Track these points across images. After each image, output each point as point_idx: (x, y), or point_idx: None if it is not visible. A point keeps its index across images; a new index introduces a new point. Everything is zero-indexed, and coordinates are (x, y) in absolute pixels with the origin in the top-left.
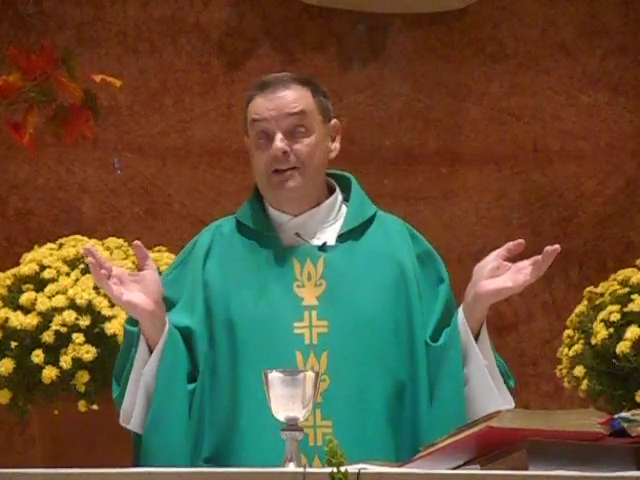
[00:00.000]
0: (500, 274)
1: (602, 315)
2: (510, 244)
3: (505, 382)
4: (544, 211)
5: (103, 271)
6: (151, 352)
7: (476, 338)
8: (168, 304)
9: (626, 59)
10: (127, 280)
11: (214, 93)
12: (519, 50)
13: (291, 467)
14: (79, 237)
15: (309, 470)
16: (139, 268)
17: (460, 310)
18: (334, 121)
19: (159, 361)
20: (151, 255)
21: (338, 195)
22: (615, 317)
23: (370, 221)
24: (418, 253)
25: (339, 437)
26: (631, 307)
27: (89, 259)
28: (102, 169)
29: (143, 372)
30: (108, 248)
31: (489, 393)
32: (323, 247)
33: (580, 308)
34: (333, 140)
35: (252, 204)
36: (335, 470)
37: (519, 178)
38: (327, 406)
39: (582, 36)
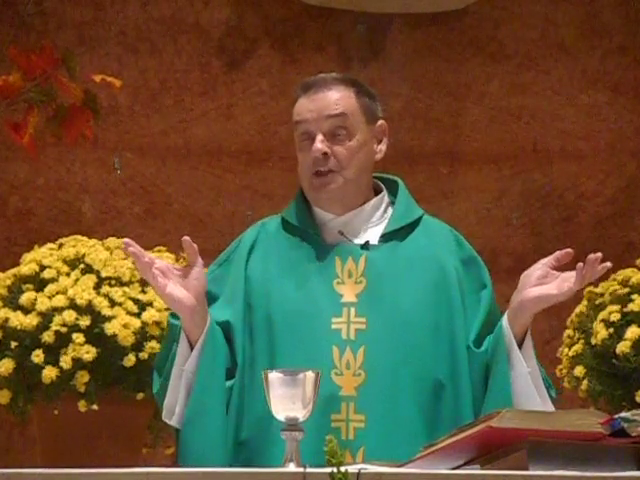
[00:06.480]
0: (547, 282)
1: (602, 315)
2: (558, 253)
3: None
4: (544, 211)
5: (146, 259)
6: (192, 348)
7: (520, 345)
8: (209, 299)
9: (626, 59)
10: (171, 274)
11: (214, 93)
12: (519, 50)
13: (291, 467)
14: (79, 237)
15: (309, 470)
16: (188, 263)
17: (505, 316)
18: (380, 122)
19: (198, 358)
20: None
21: (384, 197)
22: (615, 317)
23: (415, 224)
24: (462, 258)
25: (371, 432)
26: (631, 307)
27: (130, 249)
28: (102, 169)
29: (184, 369)
30: (108, 248)
31: (531, 400)
32: (366, 246)
33: (580, 308)
34: (379, 142)
35: (297, 203)
36: (335, 470)
37: (519, 178)
38: (361, 400)
39: (582, 36)
